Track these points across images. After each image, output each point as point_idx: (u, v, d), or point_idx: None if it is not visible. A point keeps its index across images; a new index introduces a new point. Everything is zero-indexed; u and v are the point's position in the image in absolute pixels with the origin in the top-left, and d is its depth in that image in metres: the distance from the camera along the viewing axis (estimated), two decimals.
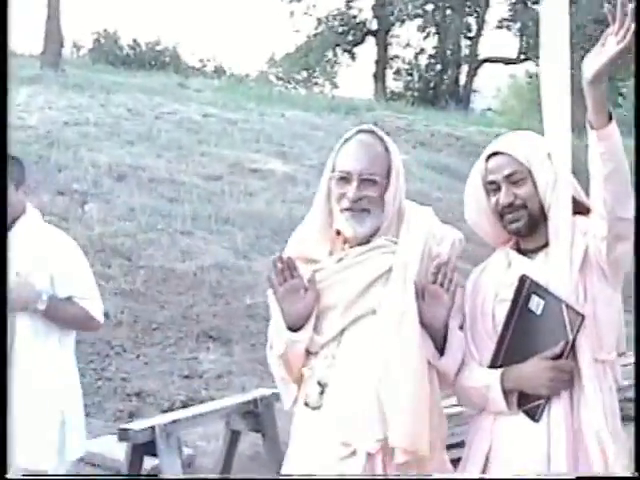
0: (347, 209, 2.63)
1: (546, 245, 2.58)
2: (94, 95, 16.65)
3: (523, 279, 2.52)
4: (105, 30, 31.15)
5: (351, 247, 2.67)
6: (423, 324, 2.51)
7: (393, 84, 34.59)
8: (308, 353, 2.66)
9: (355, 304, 2.60)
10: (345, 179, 2.64)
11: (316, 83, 35.55)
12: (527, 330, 2.49)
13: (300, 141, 16.03)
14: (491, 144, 2.69)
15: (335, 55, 33.99)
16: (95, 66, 23.13)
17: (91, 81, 18.19)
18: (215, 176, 12.91)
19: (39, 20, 21.49)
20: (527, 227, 2.61)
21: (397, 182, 2.67)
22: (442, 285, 2.53)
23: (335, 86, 34.90)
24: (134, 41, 30.95)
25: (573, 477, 1.70)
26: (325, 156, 2.88)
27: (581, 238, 2.53)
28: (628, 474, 2.01)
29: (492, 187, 2.65)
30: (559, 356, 2.42)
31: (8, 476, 1.89)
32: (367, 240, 2.65)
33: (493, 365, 2.55)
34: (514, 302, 2.52)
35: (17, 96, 15.55)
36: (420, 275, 2.56)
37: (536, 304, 2.47)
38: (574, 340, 2.40)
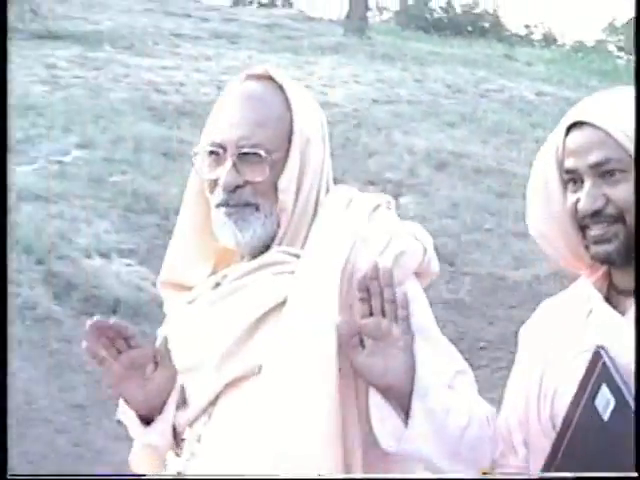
0: (221, 204, 2.04)
1: None
2: (406, 67, 17.11)
3: (598, 353, 1.87)
4: None
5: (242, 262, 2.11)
6: (372, 386, 1.92)
7: None
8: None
9: (232, 357, 2.01)
10: (217, 156, 2.04)
11: None
12: (589, 438, 1.89)
13: None
14: (575, 107, 2.00)
15: None
16: (404, 32, 23.68)
17: (402, 51, 18.68)
18: None
19: None
20: (623, 253, 1.90)
21: (301, 156, 2.03)
22: (384, 315, 1.89)
23: None
24: (447, 3, 31.39)
25: (573, 477, 1.74)
26: None
27: None
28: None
29: (571, 178, 1.94)
30: None
31: (8, 476, 2.09)
32: (261, 252, 2.06)
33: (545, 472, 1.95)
34: (581, 387, 1.89)
35: (317, 68, 16.20)
36: (342, 308, 1.95)
37: (605, 402, 1.86)
38: None
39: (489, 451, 1.99)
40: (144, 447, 2.13)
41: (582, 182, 1.92)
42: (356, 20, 19.89)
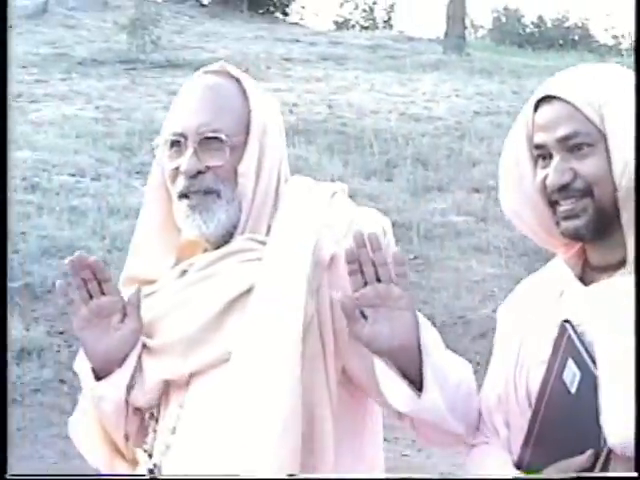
0: (183, 192, 1.97)
1: (624, 264, 1.80)
2: (504, 80, 17.04)
3: (563, 327, 1.78)
4: (506, 8, 31.63)
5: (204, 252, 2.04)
6: (382, 354, 1.82)
7: None
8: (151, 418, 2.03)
9: (201, 344, 1.93)
10: (178, 146, 1.98)
11: None
12: (559, 414, 1.79)
13: None
14: (546, 82, 1.88)
15: None
16: (499, 47, 23.53)
17: (498, 65, 18.60)
18: None
19: (441, 2, 22.32)
20: (592, 228, 1.80)
21: (259, 144, 1.99)
22: (379, 281, 1.79)
23: None
24: (539, 18, 31.10)
25: (573, 477, 1.64)
26: None
27: None
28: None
29: (540, 154, 1.84)
30: (589, 468, 1.72)
31: (8, 476, 2.04)
32: (225, 241, 1.99)
33: (523, 454, 1.85)
34: (550, 363, 1.80)
35: (420, 84, 16.23)
36: (310, 293, 1.90)
37: (572, 376, 1.77)
38: (609, 452, 1.70)
39: (476, 407, 1.93)
40: (93, 402, 2.01)
41: (551, 157, 1.82)
42: (454, 38, 19.88)
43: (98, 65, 16.61)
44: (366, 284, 1.80)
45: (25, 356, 6.73)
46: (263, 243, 1.97)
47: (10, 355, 6.47)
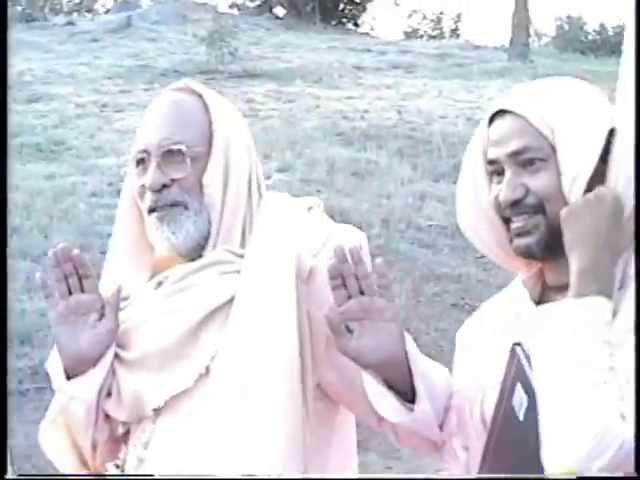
0: (151, 207, 1.89)
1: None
2: None
3: (514, 351, 1.65)
4: (569, 16, 31.33)
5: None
6: (370, 368, 1.72)
7: None
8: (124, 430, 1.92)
9: (177, 358, 1.83)
10: (143, 163, 1.91)
11: None
12: (509, 440, 1.68)
13: None
14: (503, 97, 1.80)
15: None
16: (562, 55, 23.29)
17: (562, 71, 18.37)
18: None
19: (506, 11, 22.13)
20: (544, 246, 1.68)
21: (224, 155, 1.91)
22: (363, 294, 1.70)
23: None
24: (600, 26, 30.73)
25: (574, 477, 1.51)
26: None
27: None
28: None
29: (494, 170, 1.74)
30: None
31: (8, 476, 1.95)
32: (197, 253, 1.90)
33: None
34: (502, 388, 1.68)
35: (486, 91, 16.17)
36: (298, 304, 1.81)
37: (519, 401, 1.64)
38: None
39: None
40: (62, 405, 1.89)
41: (504, 173, 1.70)
42: (519, 46, 19.82)
43: (179, 75, 16.74)
44: (350, 298, 1.69)
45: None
46: (241, 256, 1.87)
47: None
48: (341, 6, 26.48)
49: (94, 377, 1.85)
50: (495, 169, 1.72)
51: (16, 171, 9.52)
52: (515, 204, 1.67)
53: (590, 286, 1.57)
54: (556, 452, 1.51)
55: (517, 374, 1.64)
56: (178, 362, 1.82)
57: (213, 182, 1.89)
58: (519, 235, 1.69)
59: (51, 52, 17.14)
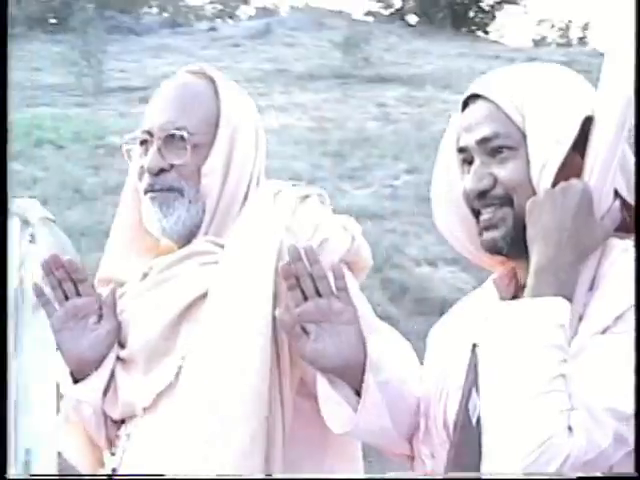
0: (147, 189, 1.81)
1: None
2: None
3: (473, 353, 1.53)
4: None
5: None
6: (326, 371, 1.60)
7: None
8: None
9: (160, 354, 1.76)
10: (145, 144, 1.83)
11: None
12: (465, 445, 1.53)
13: None
14: (476, 80, 1.61)
15: None
16: None
17: None
18: None
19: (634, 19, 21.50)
20: (510, 241, 1.51)
21: (228, 145, 1.81)
22: (320, 295, 1.57)
23: None
24: None
25: (574, 477, 1.30)
26: None
27: (620, 283, 1.41)
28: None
29: (464, 158, 1.57)
30: None
31: (8, 476, 1.82)
32: (189, 241, 1.82)
33: None
34: (462, 392, 1.55)
35: None
36: (278, 300, 1.69)
37: (473, 406, 1.52)
38: None
39: None
40: (76, 404, 1.84)
41: (472, 162, 1.53)
42: None
43: (314, 79, 16.83)
44: (307, 299, 1.57)
45: None
46: (222, 246, 1.78)
47: None
48: (471, 14, 26.25)
49: (98, 379, 1.81)
50: (465, 157, 1.55)
51: None
52: (482, 195, 1.50)
53: (547, 286, 1.39)
54: (495, 463, 1.35)
55: (474, 377, 1.50)
56: (161, 358, 1.76)
57: (212, 172, 1.80)
58: (486, 228, 1.52)
59: (194, 56, 17.38)
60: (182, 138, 1.77)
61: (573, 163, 1.46)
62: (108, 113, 13.62)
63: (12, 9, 16.30)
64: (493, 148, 1.49)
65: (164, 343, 1.75)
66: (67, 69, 15.69)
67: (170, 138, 1.78)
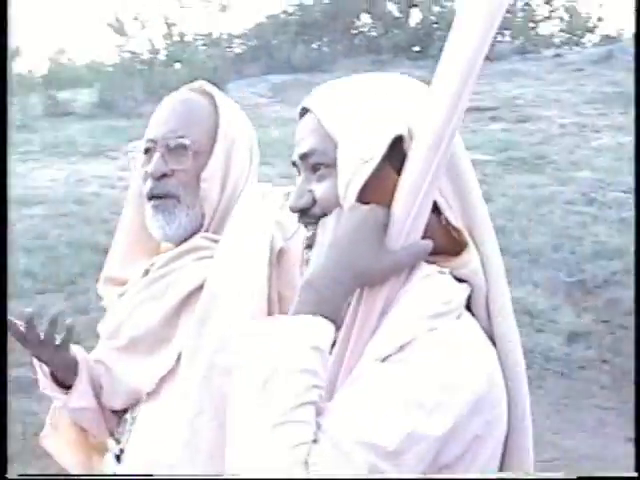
0: (149, 194, 1.86)
1: None
2: None
3: None
4: None
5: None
6: None
7: None
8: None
9: (160, 341, 1.78)
10: (149, 152, 1.89)
11: None
12: None
13: None
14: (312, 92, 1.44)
15: None
16: None
17: None
18: None
19: None
20: None
21: (226, 154, 1.85)
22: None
23: None
24: None
25: (574, 477, 1.28)
26: None
27: (410, 311, 1.24)
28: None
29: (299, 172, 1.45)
30: None
31: (8, 476, 1.83)
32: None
33: None
34: None
35: None
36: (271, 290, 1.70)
37: None
38: None
39: None
40: (71, 414, 1.90)
41: None
42: None
43: None
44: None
45: (574, 338, 6.92)
46: (217, 242, 1.83)
47: (561, 337, 6.72)
48: None
49: (80, 384, 1.86)
50: (299, 172, 1.41)
51: (503, 180, 9.97)
52: (304, 213, 1.36)
53: (307, 303, 1.22)
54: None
55: None
56: (162, 345, 1.79)
57: (211, 178, 1.85)
58: (308, 247, 1.36)
59: (540, 79, 17.50)
60: (184, 146, 1.85)
61: (391, 184, 1.28)
62: (463, 130, 14.11)
63: (381, 39, 17.39)
64: (312, 165, 1.35)
65: (165, 330, 1.79)
66: None
67: (173, 146, 1.85)
